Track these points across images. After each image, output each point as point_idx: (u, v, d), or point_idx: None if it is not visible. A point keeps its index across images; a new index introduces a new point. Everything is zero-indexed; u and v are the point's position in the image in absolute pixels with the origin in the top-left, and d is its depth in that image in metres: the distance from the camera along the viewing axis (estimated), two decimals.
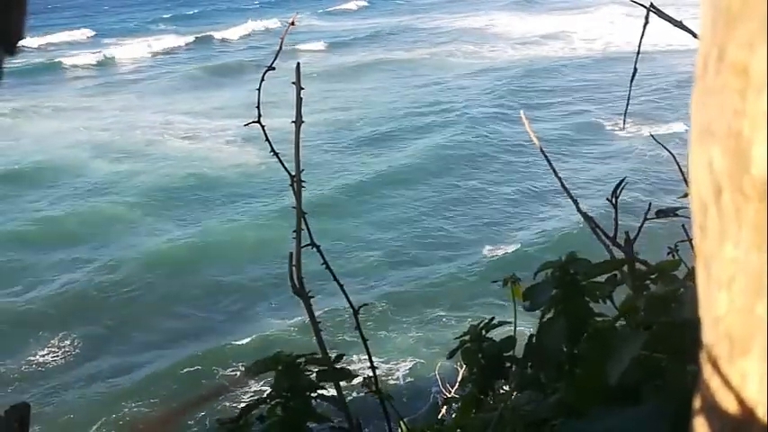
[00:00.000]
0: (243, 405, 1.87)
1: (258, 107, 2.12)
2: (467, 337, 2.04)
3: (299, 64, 2.12)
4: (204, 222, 15.91)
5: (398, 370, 10.57)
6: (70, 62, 32.05)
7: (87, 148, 20.60)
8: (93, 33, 38.66)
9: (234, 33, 36.65)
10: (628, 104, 2.64)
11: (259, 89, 2.10)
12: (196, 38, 35.58)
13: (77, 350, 11.65)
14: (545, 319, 1.72)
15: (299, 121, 2.11)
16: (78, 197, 17.53)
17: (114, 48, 34.75)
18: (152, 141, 21.11)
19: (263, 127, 2.11)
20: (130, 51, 33.95)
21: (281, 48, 2.16)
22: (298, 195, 2.04)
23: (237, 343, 11.25)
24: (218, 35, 36.48)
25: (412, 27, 36.46)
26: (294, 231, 2.03)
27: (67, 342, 11.83)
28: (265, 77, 2.05)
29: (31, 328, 12.14)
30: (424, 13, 40.16)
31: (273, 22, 37.55)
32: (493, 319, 2.05)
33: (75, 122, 23.10)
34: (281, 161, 2.10)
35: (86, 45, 36.14)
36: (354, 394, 2.28)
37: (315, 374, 1.86)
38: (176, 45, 35.09)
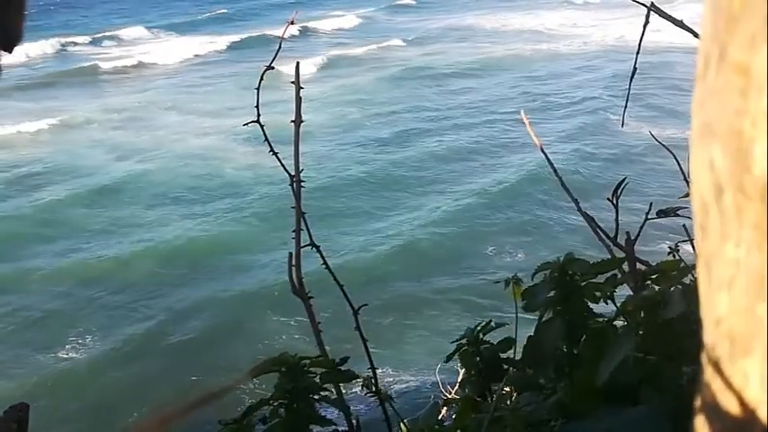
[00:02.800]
0: (245, 405, 1.87)
1: (257, 107, 2.12)
2: (464, 341, 2.04)
3: (298, 63, 2.12)
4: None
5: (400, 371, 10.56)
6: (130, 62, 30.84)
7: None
8: (149, 29, 37.49)
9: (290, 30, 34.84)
10: (627, 103, 2.64)
11: (258, 89, 2.10)
12: (249, 36, 33.53)
13: (85, 348, 11.61)
14: (543, 320, 1.73)
15: (298, 121, 2.11)
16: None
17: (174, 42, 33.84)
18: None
19: (262, 127, 2.11)
20: (192, 48, 32.53)
21: (280, 47, 2.16)
22: (297, 195, 2.04)
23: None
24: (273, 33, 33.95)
25: (475, 25, 35.43)
26: (293, 231, 2.03)
27: (78, 338, 11.80)
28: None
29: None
30: (478, 10, 39.10)
31: (347, 19, 36.97)
32: (490, 321, 2.05)
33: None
34: (280, 161, 2.10)
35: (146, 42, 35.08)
36: (356, 392, 2.28)
37: (318, 376, 1.85)
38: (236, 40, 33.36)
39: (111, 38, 35.78)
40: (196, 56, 31.47)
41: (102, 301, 12.95)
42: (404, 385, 10.16)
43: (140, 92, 26.21)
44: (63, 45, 33.98)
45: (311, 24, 35.80)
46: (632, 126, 18.02)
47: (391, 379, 10.22)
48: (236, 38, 33.41)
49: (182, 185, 17.75)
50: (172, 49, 32.45)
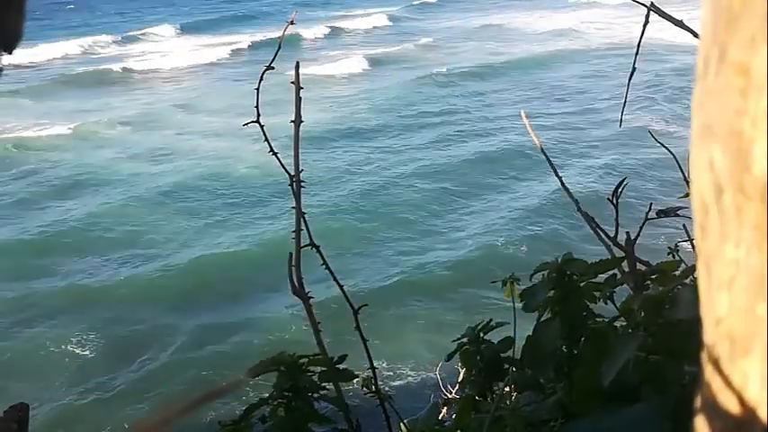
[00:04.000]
0: (245, 405, 1.87)
1: (257, 107, 2.12)
2: (464, 339, 2.04)
3: (298, 63, 2.12)
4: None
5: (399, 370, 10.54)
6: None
7: None
8: (178, 28, 37.48)
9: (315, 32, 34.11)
10: (625, 102, 2.64)
11: (258, 89, 2.09)
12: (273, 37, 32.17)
13: (82, 349, 11.59)
14: (541, 321, 1.73)
15: (298, 121, 2.11)
16: None
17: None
18: None
19: (262, 127, 2.11)
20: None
21: (280, 46, 2.15)
22: (297, 195, 2.04)
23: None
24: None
25: (496, 24, 35.44)
26: (293, 232, 2.03)
27: (81, 339, 11.77)
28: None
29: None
30: (493, 10, 39.23)
31: (378, 19, 37.13)
32: (491, 320, 2.04)
33: None
34: (280, 161, 2.10)
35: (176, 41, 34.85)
36: (356, 392, 2.27)
37: (317, 375, 1.85)
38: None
39: (131, 38, 35.80)
40: (230, 53, 31.33)
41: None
42: (403, 381, 10.17)
43: (166, 93, 26.19)
44: (86, 46, 33.98)
45: (340, 24, 36.17)
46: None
47: (391, 373, 10.23)
48: (261, 37, 32.98)
49: (221, 187, 17.63)
50: (198, 49, 32.36)
